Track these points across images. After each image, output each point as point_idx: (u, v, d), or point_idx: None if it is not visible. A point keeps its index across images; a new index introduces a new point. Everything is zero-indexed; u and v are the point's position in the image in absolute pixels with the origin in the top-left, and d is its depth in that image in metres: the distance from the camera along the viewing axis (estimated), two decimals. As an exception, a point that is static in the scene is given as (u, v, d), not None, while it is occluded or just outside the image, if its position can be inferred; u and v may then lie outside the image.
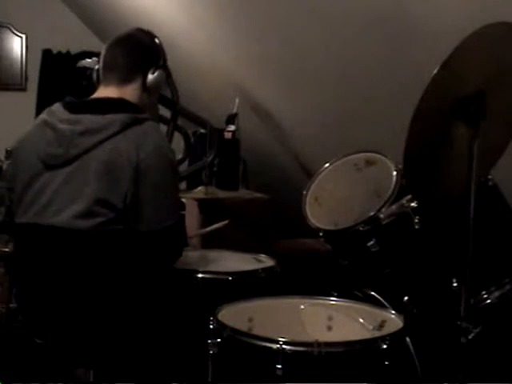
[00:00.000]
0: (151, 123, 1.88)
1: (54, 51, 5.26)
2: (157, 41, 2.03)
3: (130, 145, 1.79)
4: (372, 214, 2.08)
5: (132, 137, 1.81)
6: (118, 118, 1.82)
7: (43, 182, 1.85)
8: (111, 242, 1.81)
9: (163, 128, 3.65)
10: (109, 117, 1.83)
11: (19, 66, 5.36)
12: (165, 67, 2.02)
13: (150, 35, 2.04)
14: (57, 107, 1.91)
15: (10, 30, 5.32)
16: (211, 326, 1.66)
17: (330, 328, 1.84)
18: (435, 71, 1.48)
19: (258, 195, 3.20)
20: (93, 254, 1.81)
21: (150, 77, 1.97)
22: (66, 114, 1.87)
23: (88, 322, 1.82)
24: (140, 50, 2.00)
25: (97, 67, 2.07)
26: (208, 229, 2.40)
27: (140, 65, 1.97)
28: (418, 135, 1.55)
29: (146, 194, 1.80)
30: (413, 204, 2.03)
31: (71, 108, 1.88)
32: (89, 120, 1.84)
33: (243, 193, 3.29)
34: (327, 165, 2.39)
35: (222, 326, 1.64)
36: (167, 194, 1.86)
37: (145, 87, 1.96)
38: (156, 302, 1.90)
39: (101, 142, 1.80)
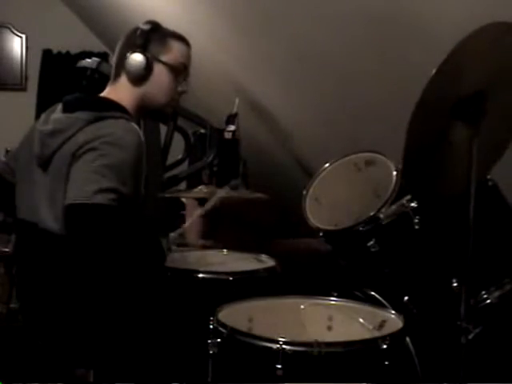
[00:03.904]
0: (119, 121, 1.80)
1: (54, 51, 5.26)
2: (142, 27, 1.94)
3: (83, 137, 1.76)
4: (372, 214, 2.08)
5: (88, 130, 1.77)
6: (82, 116, 1.80)
7: (35, 181, 1.88)
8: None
9: (163, 128, 3.67)
10: (74, 116, 1.82)
11: (19, 66, 5.37)
12: (148, 51, 1.90)
13: (145, 23, 1.95)
14: (57, 105, 1.93)
15: (10, 30, 5.33)
16: (211, 326, 1.66)
17: (330, 328, 1.84)
18: (433, 72, 1.48)
19: (258, 195, 3.19)
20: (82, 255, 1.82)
21: (126, 62, 1.91)
22: (57, 113, 1.89)
23: (88, 322, 1.82)
24: (125, 42, 1.96)
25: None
26: (205, 207, 2.35)
27: (122, 56, 1.93)
28: (417, 135, 1.55)
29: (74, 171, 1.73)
30: (413, 204, 2.03)
31: (62, 107, 1.89)
32: (56, 120, 1.85)
33: (243, 193, 3.29)
34: (327, 165, 2.39)
35: (222, 326, 1.64)
36: (92, 174, 1.70)
37: (130, 79, 1.92)
38: (156, 301, 1.90)
39: (64, 142, 1.79)
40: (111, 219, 1.70)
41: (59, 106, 1.91)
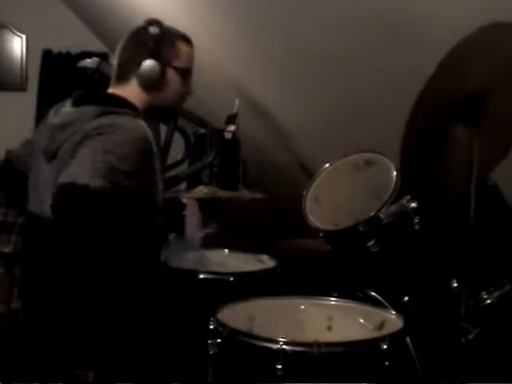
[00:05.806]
0: (126, 116, 1.80)
1: (54, 51, 5.26)
2: (152, 30, 1.91)
3: (89, 126, 1.75)
4: (372, 214, 2.08)
5: (94, 121, 1.76)
6: (90, 110, 1.80)
7: (41, 173, 1.88)
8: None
9: (163, 128, 3.66)
10: (82, 109, 1.82)
11: (19, 66, 5.36)
12: (161, 57, 1.90)
13: (151, 24, 1.93)
14: (67, 100, 1.93)
15: (10, 30, 5.32)
16: (211, 326, 1.66)
17: (330, 328, 1.84)
18: (432, 73, 1.47)
19: (258, 195, 3.19)
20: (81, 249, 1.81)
21: (140, 69, 1.89)
22: (67, 107, 1.89)
23: (88, 322, 1.83)
24: (134, 43, 1.93)
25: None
26: None
27: (133, 60, 1.92)
28: (415, 135, 1.55)
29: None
30: (413, 204, 2.03)
31: (72, 101, 1.89)
32: (66, 114, 1.85)
33: (243, 193, 3.29)
34: (327, 165, 2.39)
35: (222, 326, 1.64)
36: (90, 160, 1.70)
37: (142, 85, 1.91)
38: (156, 301, 1.90)
39: (72, 135, 1.78)
40: (98, 204, 1.67)
41: (69, 101, 1.91)
